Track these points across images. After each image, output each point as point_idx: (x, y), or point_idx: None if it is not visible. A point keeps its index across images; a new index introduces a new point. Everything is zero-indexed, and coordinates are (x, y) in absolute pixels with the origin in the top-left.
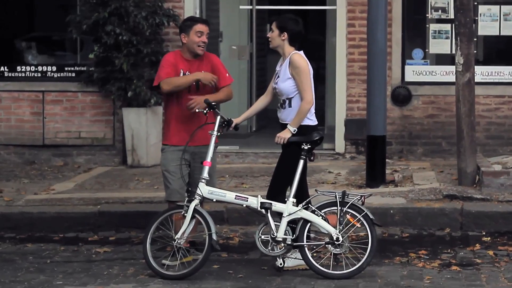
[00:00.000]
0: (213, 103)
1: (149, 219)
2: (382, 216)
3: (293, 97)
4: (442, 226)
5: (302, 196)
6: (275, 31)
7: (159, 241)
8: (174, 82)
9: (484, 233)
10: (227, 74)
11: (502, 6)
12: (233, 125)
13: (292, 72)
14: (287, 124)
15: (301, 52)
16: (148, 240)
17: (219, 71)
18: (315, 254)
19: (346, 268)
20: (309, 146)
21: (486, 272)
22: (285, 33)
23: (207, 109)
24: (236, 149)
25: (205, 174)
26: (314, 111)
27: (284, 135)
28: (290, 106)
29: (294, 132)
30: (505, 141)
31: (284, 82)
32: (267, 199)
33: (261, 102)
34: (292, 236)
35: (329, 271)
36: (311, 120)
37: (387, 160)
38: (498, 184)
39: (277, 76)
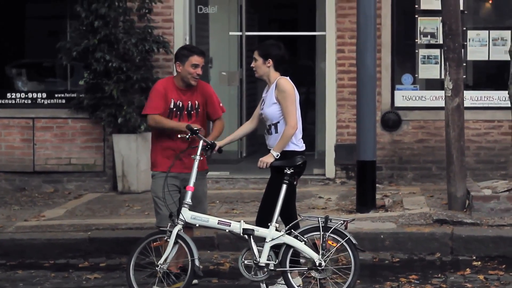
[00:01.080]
0: (195, 129)
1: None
2: (373, 241)
3: (278, 122)
4: (433, 250)
5: (290, 222)
6: (259, 60)
7: (148, 267)
8: (161, 123)
9: (474, 257)
10: (220, 104)
11: (491, 31)
12: (216, 148)
13: (278, 96)
14: None
15: (287, 78)
16: (131, 267)
17: (212, 104)
18: (301, 282)
19: None
20: (292, 171)
21: None
22: (270, 59)
23: (189, 134)
24: (227, 175)
25: (188, 199)
26: (301, 137)
27: (267, 160)
28: (276, 132)
29: (277, 157)
30: (495, 166)
31: (269, 107)
32: (256, 224)
33: (246, 127)
34: (275, 261)
35: None
36: (297, 145)
37: (377, 185)
38: (488, 208)
39: (263, 102)
